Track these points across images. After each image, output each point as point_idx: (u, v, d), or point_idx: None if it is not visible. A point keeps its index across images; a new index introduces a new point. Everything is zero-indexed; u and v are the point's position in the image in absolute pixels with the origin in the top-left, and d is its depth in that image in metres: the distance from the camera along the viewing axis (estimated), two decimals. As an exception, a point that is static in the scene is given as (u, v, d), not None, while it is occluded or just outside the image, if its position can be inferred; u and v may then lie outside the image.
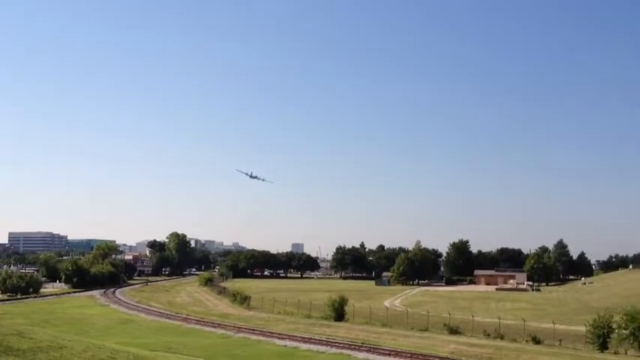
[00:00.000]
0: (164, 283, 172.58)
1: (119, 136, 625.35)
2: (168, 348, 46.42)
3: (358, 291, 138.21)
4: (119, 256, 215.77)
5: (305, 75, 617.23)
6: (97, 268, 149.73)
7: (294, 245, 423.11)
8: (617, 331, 49.17)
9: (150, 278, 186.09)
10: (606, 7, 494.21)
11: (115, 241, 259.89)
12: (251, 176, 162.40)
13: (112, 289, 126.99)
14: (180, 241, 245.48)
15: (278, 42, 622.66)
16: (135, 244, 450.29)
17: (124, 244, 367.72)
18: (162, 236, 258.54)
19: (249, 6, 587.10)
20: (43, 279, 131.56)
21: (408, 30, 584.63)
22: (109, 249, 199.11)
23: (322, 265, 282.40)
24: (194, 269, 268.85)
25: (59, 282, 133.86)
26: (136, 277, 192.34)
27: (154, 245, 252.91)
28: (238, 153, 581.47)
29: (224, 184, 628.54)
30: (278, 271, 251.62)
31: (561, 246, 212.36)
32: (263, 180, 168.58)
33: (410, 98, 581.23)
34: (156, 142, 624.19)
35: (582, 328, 54.37)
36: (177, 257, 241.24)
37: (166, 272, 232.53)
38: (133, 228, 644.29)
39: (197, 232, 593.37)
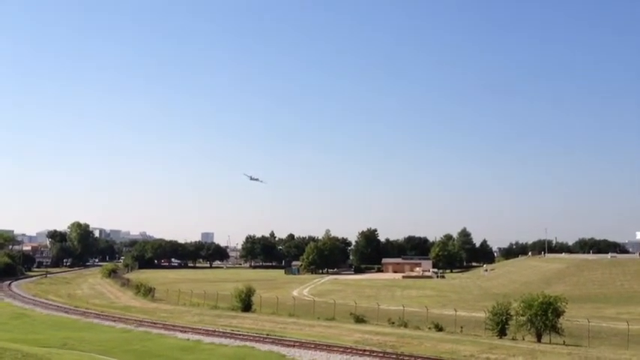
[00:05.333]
0: (65, 274, 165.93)
1: (24, 123, 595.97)
2: (64, 344, 44.41)
3: (267, 280, 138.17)
4: (17, 247, 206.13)
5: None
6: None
7: (204, 234, 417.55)
8: (515, 317, 50.73)
9: (50, 270, 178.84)
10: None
11: (12, 231, 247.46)
12: (251, 178, 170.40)
13: (8, 282, 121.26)
14: (82, 231, 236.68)
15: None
16: (35, 235, 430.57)
17: (23, 234, 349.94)
18: (64, 226, 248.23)
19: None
20: None
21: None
22: (5, 239, 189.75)
23: (232, 254, 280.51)
24: (97, 260, 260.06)
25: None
26: (35, 269, 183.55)
27: (54, 235, 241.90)
28: (146, 133, 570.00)
29: (132, 170, 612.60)
30: (186, 261, 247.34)
31: (465, 234, 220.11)
32: (262, 182, 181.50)
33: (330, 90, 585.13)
34: (60, 129, 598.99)
35: (483, 315, 55.94)
36: (80, 248, 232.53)
37: (68, 263, 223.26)
38: (33, 217, 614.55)
39: (102, 221, 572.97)
